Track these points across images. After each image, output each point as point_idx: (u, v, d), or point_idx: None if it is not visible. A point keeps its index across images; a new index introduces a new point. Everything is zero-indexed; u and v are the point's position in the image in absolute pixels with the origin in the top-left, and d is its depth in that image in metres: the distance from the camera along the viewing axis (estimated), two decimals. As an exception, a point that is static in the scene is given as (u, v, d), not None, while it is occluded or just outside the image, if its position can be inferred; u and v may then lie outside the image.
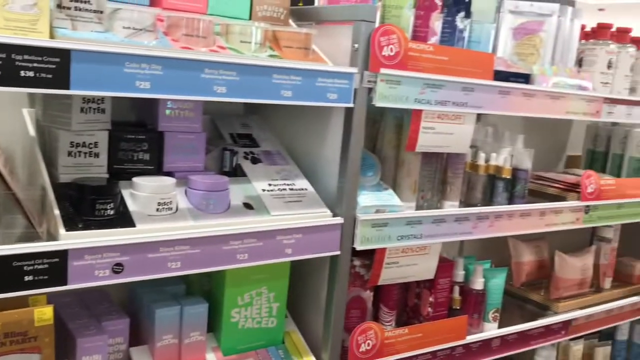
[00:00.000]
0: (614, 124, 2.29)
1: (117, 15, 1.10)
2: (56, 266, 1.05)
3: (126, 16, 1.11)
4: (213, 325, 1.41)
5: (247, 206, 1.35)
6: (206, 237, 1.21)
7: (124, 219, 1.17)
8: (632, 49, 1.99)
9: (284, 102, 1.26)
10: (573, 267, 2.06)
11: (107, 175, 1.27)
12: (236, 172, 1.44)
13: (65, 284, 1.06)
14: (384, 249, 1.49)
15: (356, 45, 1.35)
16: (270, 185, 1.43)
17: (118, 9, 1.11)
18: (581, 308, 2.05)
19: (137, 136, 1.29)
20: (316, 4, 1.61)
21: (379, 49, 1.36)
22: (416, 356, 1.60)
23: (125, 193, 1.22)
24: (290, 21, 1.47)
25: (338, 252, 1.41)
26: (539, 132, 2.24)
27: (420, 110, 1.46)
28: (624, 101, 1.95)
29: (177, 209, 1.25)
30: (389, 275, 1.54)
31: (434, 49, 1.46)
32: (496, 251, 2.10)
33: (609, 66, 1.93)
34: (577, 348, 2.18)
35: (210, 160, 1.44)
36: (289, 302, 1.50)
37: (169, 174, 1.33)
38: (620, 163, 2.25)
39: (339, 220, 1.39)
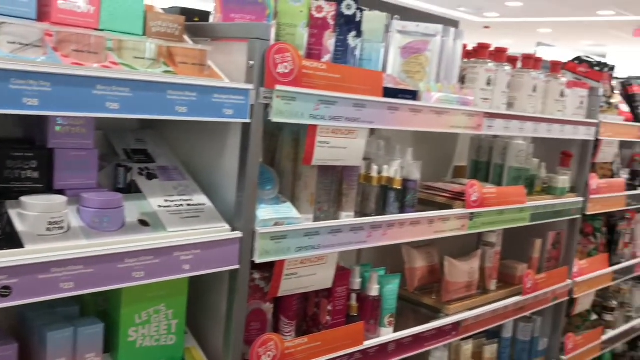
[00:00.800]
0: (495, 136, 2.47)
1: (2, 29, 1.07)
2: None
3: (11, 31, 1.08)
4: (110, 345, 1.38)
5: (143, 223, 1.33)
6: (100, 255, 1.18)
7: (11, 240, 1.13)
8: (508, 67, 2.16)
9: (180, 118, 1.26)
10: (461, 271, 2.20)
11: (-9, 195, 1.21)
12: (131, 189, 1.42)
13: (-55, 310, 1.01)
14: (283, 261, 1.53)
15: (251, 62, 1.38)
16: (166, 201, 1.42)
17: (3, 23, 1.07)
18: (470, 309, 2.19)
19: (25, 153, 1.24)
20: (211, 20, 1.62)
21: (274, 66, 1.40)
22: (316, 364, 1.64)
23: (13, 213, 1.18)
24: (186, 37, 1.48)
25: (237, 266, 1.42)
26: (428, 145, 2.38)
27: (315, 126, 1.52)
28: (502, 115, 2.11)
29: (69, 228, 1.21)
30: (288, 286, 1.58)
31: (327, 67, 1.52)
32: (392, 258, 2.19)
33: (488, 83, 2.09)
34: (467, 347, 2.32)
35: (104, 177, 1.41)
36: (189, 318, 1.50)
37: (60, 192, 1.29)
38: (501, 172, 2.43)
39: (237, 234, 1.41)
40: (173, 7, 1.68)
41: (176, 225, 1.35)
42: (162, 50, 1.34)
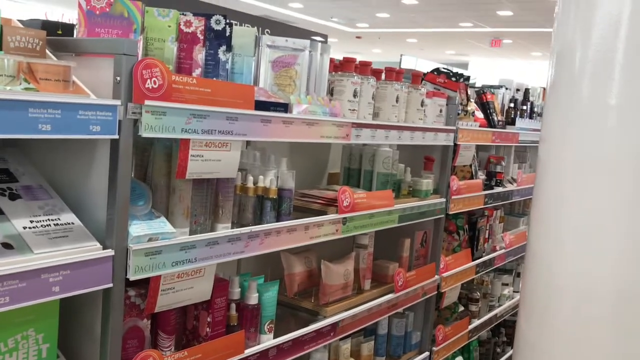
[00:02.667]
0: (364, 144, 2.61)
1: None
2: None
3: None
4: (-28, 377, 1.31)
5: (6, 246, 1.28)
6: (-41, 283, 1.13)
7: None
8: (372, 80, 2.30)
9: (44, 137, 1.23)
10: (337, 274, 2.30)
11: None
12: (-8, 211, 1.36)
13: None
14: (158, 277, 1.52)
15: (118, 78, 1.38)
16: (32, 222, 1.37)
17: None
18: (347, 310, 2.29)
19: None
20: (75, 35, 1.58)
21: (142, 81, 1.40)
22: (197, 376, 1.65)
23: None
24: (48, 52, 1.44)
25: (110, 285, 1.40)
26: (303, 154, 2.46)
27: (188, 140, 1.53)
28: (369, 125, 2.24)
29: None
30: (165, 301, 1.57)
31: (197, 82, 1.54)
32: (271, 265, 2.24)
33: (355, 95, 2.21)
34: (346, 347, 2.43)
35: (-39, 199, 1.33)
36: (61, 340, 1.45)
37: None
38: (371, 178, 2.57)
39: (109, 252, 1.39)
40: (33, 19, 1.63)
41: (43, 247, 1.31)
42: (22, 66, 1.29)
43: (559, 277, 1.82)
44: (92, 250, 1.38)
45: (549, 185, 1.89)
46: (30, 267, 1.24)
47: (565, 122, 1.78)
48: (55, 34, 1.66)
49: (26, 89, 1.26)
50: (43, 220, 1.39)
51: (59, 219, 1.42)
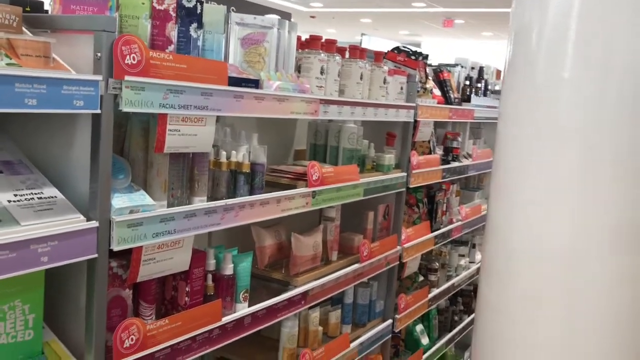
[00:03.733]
0: (330, 120, 2.68)
1: None
2: None
3: None
4: (-38, 347, 1.34)
5: (-7, 219, 1.31)
6: (-48, 254, 1.16)
7: None
8: (338, 57, 2.37)
9: (30, 111, 1.26)
10: (306, 245, 2.38)
11: None
12: (-24, 185, 1.38)
13: None
14: (140, 248, 1.57)
15: (99, 54, 1.41)
16: (15, 195, 1.40)
17: None
18: (316, 279, 2.39)
19: None
20: (50, 11, 1.60)
21: (121, 57, 1.43)
22: (178, 343, 1.71)
23: None
24: (24, 29, 1.45)
25: (95, 255, 1.45)
26: (270, 130, 2.52)
27: (166, 114, 1.58)
28: (336, 101, 2.32)
29: None
30: (146, 271, 1.63)
31: (173, 57, 1.59)
32: (242, 239, 2.31)
33: (322, 72, 2.28)
34: (315, 315, 2.52)
35: (-57, 174, 1.35)
36: (46, 312, 1.49)
37: None
38: (337, 154, 2.65)
39: (94, 224, 1.43)
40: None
41: (30, 219, 1.34)
42: (2, 42, 1.31)
43: (516, 242, 1.96)
44: (77, 222, 1.42)
45: (508, 157, 2.02)
46: (20, 238, 1.27)
47: (523, 97, 1.90)
48: (24, 11, 1.67)
49: (8, 64, 1.28)
50: (26, 194, 1.42)
51: (42, 192, 1.45)
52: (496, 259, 2.03)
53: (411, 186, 3.03)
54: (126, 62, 1.44)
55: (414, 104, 2.95)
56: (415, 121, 3.00)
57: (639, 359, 1.85)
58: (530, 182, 1.93)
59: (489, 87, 4.38)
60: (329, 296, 2.49)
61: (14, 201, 1.38)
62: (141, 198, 1.57)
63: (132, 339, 1.56)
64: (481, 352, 2.13)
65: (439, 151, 3.58)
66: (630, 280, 1.82)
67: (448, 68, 3.81)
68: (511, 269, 1.94)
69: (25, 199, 1.40)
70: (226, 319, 1.89)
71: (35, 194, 1.44)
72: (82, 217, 1.44)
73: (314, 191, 2.25)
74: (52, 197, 1.45)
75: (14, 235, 1.27)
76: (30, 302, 1.44)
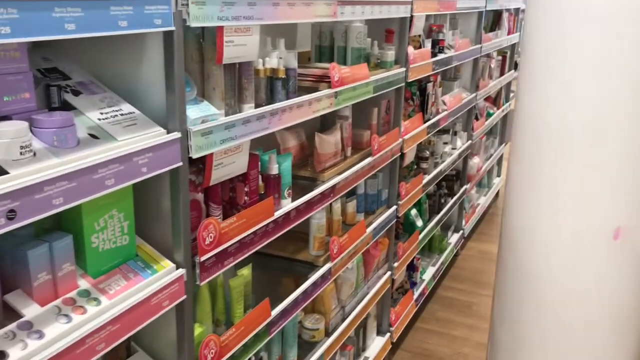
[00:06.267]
0: (335, 21, 2.75)
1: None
2: (-44, 225, 1.04)
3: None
4: (77, 254, 1.48)
5: (93, 137, 1.41)
6: (79, 170, 1.27)
7: (-7, 169, 1.16)
8: (347, -42, 2.42)
9: (123, 32, 1.33)
10: (329, 143, 2.55)
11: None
12: (65, 107, 1.46)
13: (-33, 241, 1.06)
14: (212, 154, 1.71)
15: (166, -28, 1.46)
16: (102, 113, 1.49)
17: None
18: (339, 174, 2.58)
19: (-30, 84, 1.23)
20: None
21: (186, -26, 1.49)
22: (243, 238, 1.90)
23: (-22, 144, 1.19)
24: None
25: (180, 163, 1.58)
26: (273, 35, 2.59)
27: (222, 27, 1.66)
28: (350, 2, 2.40)
29: (35, 151, 1.27)
30: (216, 175, 1.77)
31: (225, -29, 1.64)
32: (264, 143, 2.45)
33: (335, -26, 2.34)
34: (337, 206, 2.74)
35: (36, 98, 1.43)
36: (135, 219, 1.63)
37: (7, 117, 1.31)
38: (345, 54, 2.76)
39: (177, 134, 1.55)
40: None
41: (123, 134, 1.45)
42: (77, -35, 1.35)
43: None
44: (160, 134, 1.54)
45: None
46: (125, 152, 1.39)
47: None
48: None
49: (92, -13, 1.33)
50: (110, 112, 1.51)
51: (121, 109, 1.55)
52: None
53: (409, 80, 3.19)
54: (189, -23, 1.50)
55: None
56: (412, 16, 3.10)
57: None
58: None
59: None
60: (350, 188, 2.69)
61: (103, 119, 1.48)
62: (208, 108, 1.69)
63: (211, 237, 1.74)
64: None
65: (427, 44, 3.71)
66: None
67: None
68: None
69: (111, 116, 1.50)
70: (277, 214, 2.07)
71: (117, 111, 1.53)
72: (162, 130, 1.55)
73: (336, 92, 2.38)
74: (131, 113, 1.55)
75: (119, 150, 1.39)
76: (124, 210, 1.58)
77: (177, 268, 1.65)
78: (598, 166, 1.90)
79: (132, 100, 1.59)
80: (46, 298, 1.38)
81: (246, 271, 2.08)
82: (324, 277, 2.54)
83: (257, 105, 1.97)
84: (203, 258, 1.72)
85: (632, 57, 1.87)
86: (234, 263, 1.86)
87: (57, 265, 1.40)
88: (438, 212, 4.40)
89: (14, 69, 1.31)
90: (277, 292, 2.62)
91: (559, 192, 1.97)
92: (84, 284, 1.48)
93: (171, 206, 1.65)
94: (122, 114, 1.52)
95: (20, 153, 1.22)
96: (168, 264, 1.64)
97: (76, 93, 1.52)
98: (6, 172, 1.17)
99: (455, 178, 4.85)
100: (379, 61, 2.93)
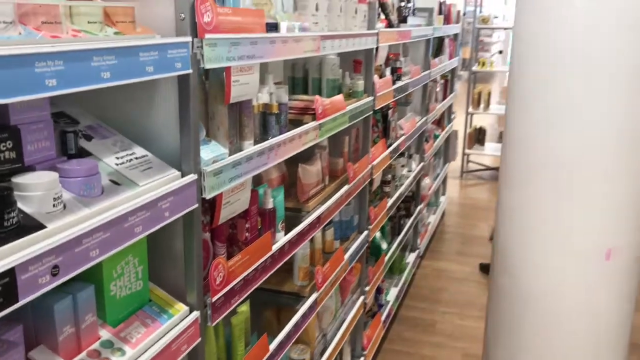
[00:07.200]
0: (308, 53, 2.80)
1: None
2: (7, 285, 0.99)
3: None
4: (97, 304, 1.44)
5: (114, 183, 1.39)
6: (112, 219, 1.25)
7: (31, 223, 1.12)
8: (325, -7, 2.48)
9: (149, 78, 1.32)
10: (311, 173, 2.58)
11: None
12: (81, 153, 1.43)
13: (17, 301, 1.02)
14: (221, 193, 1.70)
15: (182, 15, 1.47)
16: (118, 158, 1.47)
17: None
18: (321, 203, 2.61)
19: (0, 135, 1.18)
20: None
21: (201, 16, 1.50)
22: (247, 275, 1.89)
23: (11, 197, 1.15)
24: (95, -8, 1.46)
25: (197, 205, 1.57)
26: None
27: (230, 67, 1.67)
28: (332, 36, 2.45)
29: (65, 202, 1.23)
30: (224, 214, 1.76)
31: (231, 11, 1.66)
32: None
33: (316, 9, 2.40)
34: (318, 235, 2.76)
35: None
36: (147, 262, 1.60)
37: (31, 167, 1.26)
38: (319, 85, 2.81)
39: (194, 177, 1.54)
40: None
41: (142, 179, 1.43)
42: (96, 10, 1.33)
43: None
44: (175, 177, 1.52)
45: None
46: (151, 198, 1.37)
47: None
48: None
49: (115, 33, 1.32)
50: (124, 156, 1.49)
51: (134, 152, 1.52)
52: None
53: (376, 108, 3.27)
54: (204, 20, 1.51)
55: (376, 31, 3.14)
56: (377, 47, 3.20)
57: None
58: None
59: (415, 4, 4.62)
60: (332, 216, 2.73)
61: (120, 164, 1.45)
62: (217, 148, 1.68)
63: (221, 276, 1.72)
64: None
65: (387, 72, 3.82)
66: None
67: (383, -9, 3.98)
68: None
69: (127, 160, 1.47)
70: (275, 247, 2.08)
71: (130, 154, 1.51)
72: (177, 172, 1.54)
73: (320, 123, 2.42)
74: (144, 156, 1.53)
75: (145, 196, 1.36)
76: (139, 255, 1.55)
77: (191, 310, 1.62)
78: (588, 189, 2.02)
79: (143, 143, 1.57)
80: (71, 352, 1.33)
81: (245, 307, 2.06)
82: (311, 308, 2.55)
83: (254, 142, 1.98)
84: (215, 298, 1.70)
85: (614, 87, 2.03)
86: (240, 301, 1.85)
87: (81, 317, 1.36)
88: (399, 234, 4.49)
89: (35, 117, 1.27)
90: (262, 326, 2.61)
91: (550, 215, 2.09)
92: (105, 334, 1.43)
93: (184, 248, 1.63)
94: (136, 158, 1.50)
95: (53, 205, 1.18)
96: (182, 307, 1.62)
97: (88, 138, 1.48)
98: (43, 226, 1.13)
99: (411, 199, 4.98)
100: (351, 91, 3.00)
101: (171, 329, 1.54)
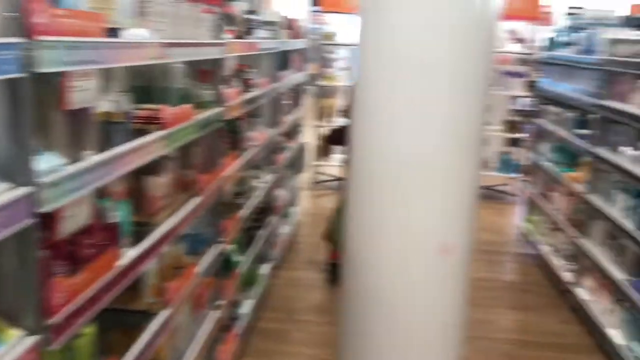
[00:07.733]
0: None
1: None
2: None
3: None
4: None
5: None
6: None
7: None
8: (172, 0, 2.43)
9: (-28, 80, 1.20)
10: (160, 186, 2.49)
11: None
12: None
13: None
14: (60, 207, 1.58)
15: (12, 14, 1.35)
16: None
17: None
18: (170, 216, 2.53)
19: None
20: None
21: (31, 16, 1.39)
22: (91, 293, 1.77)
23: None
24: None
25: (33, 220, 1.44)
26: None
27: (69, 72, 1.57)
28: (176, 44, 2.40)
29: None
30: (64, 229, 1.64)
31: (69, 13, 1.56)
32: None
33: (161, 16, 2.33)
34: (167, 249, 2.67)
35: None
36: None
37: None
38: (164, 94, 2.72)
39: (28, 189, 1.42)
40: None
41: (-34, 193, 1.29)
42: None
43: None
44: (4, 190, 1.39)
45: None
46: (-23, 213, 1.24)
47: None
48: None
49: None
50: (-57, 168, 1.33)
51: (-45, 164, 1.37)
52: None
53: (226, 119, 3.25)
54: (35, 21, 1.40)
55: (223, 41, 3.13)
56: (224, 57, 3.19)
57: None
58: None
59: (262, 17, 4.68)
60: (182, 230, 2.65)
61: (-63, 176, 1.30)
62: (53, 159, 1.57)
63: (60, 296, 1.60)
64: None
65: (235, 84, 3.82)
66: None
67: (229, 2, 3.99)
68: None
69: (-54, 173, 1.32)
70: (122, 264, 1.97)
71: (-49, 166, 1.35)
72: (8, 185, 1.41)
73: (168, 133, 2.35)
74: (-32, 168, 1.38)
75: (-32, 210, 1.23)
76: (-37, 278, 1.39)
77: (31, 334, 1.49)
78: (426, 188, 2.17)
79: (-37, 153, 1.42)
80: None
81: (90, 329, 1.93)
82: (162, 326, 2.45)
83: (96, 152, 1.87)
84: (54, 320, 1.57)
85: (446, 91, 2.22)
86: (84, 321, 1.73)
87: None
88: (253, 246, 4.49)
89: None
90: (112, 348, 2.46)
91: (392, 214, 2.21)
92: None
93: (19, 267, 1.49)
94: (-43, 169, 1.35)
95: None
96: (16, 332, 1.48)
97: None
98: None
99: (264, 211, 5.00)
100: (199, 101, 2.95)
101: (5, 357, 1.39)
